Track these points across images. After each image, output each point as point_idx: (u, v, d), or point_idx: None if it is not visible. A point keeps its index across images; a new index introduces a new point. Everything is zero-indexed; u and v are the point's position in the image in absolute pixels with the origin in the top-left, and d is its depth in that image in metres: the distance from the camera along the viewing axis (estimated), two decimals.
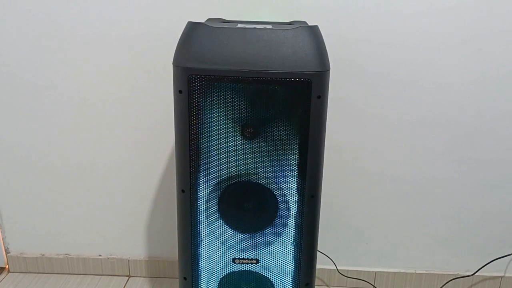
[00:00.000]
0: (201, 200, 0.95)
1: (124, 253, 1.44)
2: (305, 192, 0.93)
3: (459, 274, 1.39)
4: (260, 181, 0.93)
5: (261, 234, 0.97)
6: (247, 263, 0.99)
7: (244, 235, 0.97)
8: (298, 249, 0.97)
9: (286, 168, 0.91)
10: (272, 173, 0.92)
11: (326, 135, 0.92)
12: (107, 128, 1.31)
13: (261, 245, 0.98)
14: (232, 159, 0.91)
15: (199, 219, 0.96)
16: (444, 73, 1.22)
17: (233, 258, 0.99)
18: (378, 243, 1.39)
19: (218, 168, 0.92)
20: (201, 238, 0.98)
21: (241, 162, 0.91)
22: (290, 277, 1.00)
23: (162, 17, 1.21)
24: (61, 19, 1.22)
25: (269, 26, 0.91)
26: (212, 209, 0.96)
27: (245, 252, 0.98)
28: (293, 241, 0.97)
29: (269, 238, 0.97)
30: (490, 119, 1.26)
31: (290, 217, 0.95)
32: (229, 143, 0.90)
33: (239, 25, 0.93)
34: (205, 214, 0.96)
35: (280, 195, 0.94)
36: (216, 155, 0.91)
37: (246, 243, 0.98)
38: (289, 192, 0.93)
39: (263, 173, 0.92)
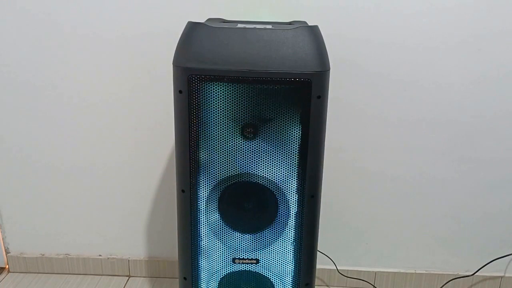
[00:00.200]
0: (201, 200, 0.95)
1: (124, 253, 1.44)
2: (305, 192, 0.93)
3: (459, 274, 1.39)
4: (260, 181, 0.93)
5: (261, 234, 0.97)
6: (247, 263, 0.99)
7: (244, 235, 0.97)
8: (298, 249, 0.97)
9: (286, 168, 0.91)
10: (272, 173, 0.92)
11: (326, 135, 0.92)
12: (107, 128, 1.31)
13: (261, 245, 0.98)
14: (232, 159, 0.91)
15: (199, 219, 0.96)
16: (444, 73, 1.22)
17: (233, 258, 0.99)
18: (378, 243, 1.39)
19: (218, 168, 0.92)
20: (201, 238, 0.98)
21: (241, 162, 0.91)
22: (290, 277, 1.00)
23: (162, 17, 1.21)
24: (61, 19, 1.22)
25: (269, 26, 0.91)
26: (212, 209, 0.96)
27: (245, 252, 0.98)
28: (293, 241, 0.97)
29: (269, 238, 0.97)
30: (490, 119, 1.26)
31: (290, 217, 0.95)
32: (229, 143, 0.90)
33: (239, 25, 0.93)
34: (205, 214, 0.96)
35: (280, 195, 0.94)
36: (216, 155, 0.91)
37: (246, 243, 0.98)
38: (289, 192, 0.93)
39: (263, 173, 0.92)
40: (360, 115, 1.27)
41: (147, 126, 1.31)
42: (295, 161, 0.91)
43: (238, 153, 0.91)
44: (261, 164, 0.91)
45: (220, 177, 0.93)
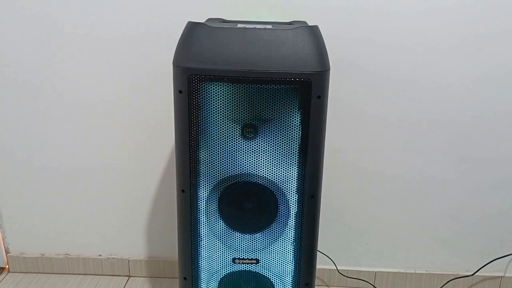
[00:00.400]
0: (201, 200, 0.95)
1: (124, 253, 1.44)
2: (305, 192, 0.93)
3: (459, 274, 1.39)
4: (260, 181, 0.93)
5: (261, 234, 0.97)
6: (247, 263, 0.99)
7: (244, 235, 0.97)
8: (298, 249, 0.97)
9: (286, 168, 0.91)
10: (272, 173, 0.92)
11: (326, 135, 0.92)
12: (107, 128, 1.31)
13: (261, 245, 0.98)
14: (232, 159, 0.91)
15: (199, 219, 0.96)
16: (444, 73, 1.22)
17: (233, 258, 0.99)
18: (378, 243, 1.39)
19: (218, 168, 0.92)
20: (201, 238, 0.98)
21: (241, 162, 0.91)
22: (290, 277, 1.00)
23: (162, 17, 1.21)
24: (61, 19, 1.22)
25: (269, 26, 0.91)
26: (212, 209, 0.96)
27: (245, 252, 0.98)
28: (293, 241, 0.97)
29: (269, 238, 0.97)
30: (490, 119, 1.26)
31: (290, 217, 0.95)
32: (229, 143, 0.90)
33: (239, 25, 0.93)
34: (205, 214, 0.96)
35: (280, 195, 0.94)
36: (216, 155, 0.91)
37: (246, 243, 0.98)
38: (289, 192, 0.93)
39: (263, 173, 0.92)
40: (360, 115, 1.27)
41: (147, 126, 1.31)
42: (295, 161, 0.91)
43: (238, 153, 0.91)
44: (261, 164, 0.91)
45: (220, 177, 0.93)
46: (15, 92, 1.29)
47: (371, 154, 1.30)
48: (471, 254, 1.38)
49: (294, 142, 0.89)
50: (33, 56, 1.26)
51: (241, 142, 0.90)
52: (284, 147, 0.90)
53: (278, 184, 0.93)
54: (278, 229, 0.97)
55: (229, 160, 0.91)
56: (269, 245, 0.98)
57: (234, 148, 0.90)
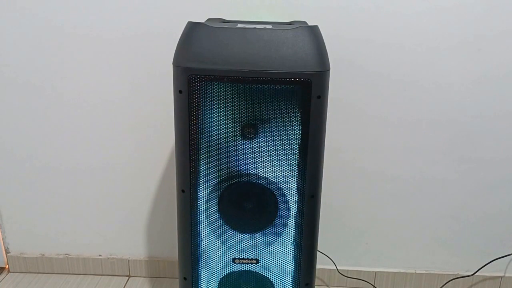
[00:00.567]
0: (201, 200, 0.95)
1: (124, 253, 1.44)
2: (305, 192, 0.93)
3: (459, 274, 1.39)
4: (260, 181, 0.93)
5: (261, 234, 0.97)
6: (247, 263, 0.99)
7: (244, 235, 0.97)
8: (298, 249, 0.97)
9: (286, 168, 0.91)
10: (272, 173, 0.92)
11: (326, 135, 0.92)
12: (107, 128, 1.31)
13: (261, 245, 0.98)
14: (232, 159, 0.91)
15: (199, 219, 0.96)
16: (444, 73, 1.22)
17: (233, 258, 0.99)
18: (378, 243, 1.39)
19: (218, 168, 0.92)
20: (201, 238, 0.98)
21: (241, 162, 0.91)
22: (290, 277, 1.00)
23: (162, 17, 1.21)
24: (61, 19, 1.22)
25: (269, 26, 0.91)
26: (212, 209, 0.96)
27: (245, 252, 0.98)
28: (293, 241, 0.97)
29: (269, 238, 0.97)
30: (490, 119, 1.26)
31: (290, 217, 0.95)
32: (229, 143, 0.90)
33: (239, 25, 0.93)
34: (205, 214, 0.96)
35: (280, 195, 0.94)
36: (216, 155, 0.91)
37: (246, 243, 0.98)
38: (289, 192, 0.93)
39: (263, 173, 0.92)
40: (360, 115, 1.27)
41: (147, 126, 1.31)
42: (295, 161, 0.91)
43: (238, 153, 0.91)
44: (261, 164, 0.91)
45: (220, 177, 0.93)
46: (15, 92, 1.29)
47: (371, 154, 1.30)
48: (471, 254, 1.38)
49: (294, 142, 0.89)
50: (33, 56, 1.26)
51: (241, 142, 0.90)
52: (284, 147, 0.90)
53: (278, 184, 0.93)
54: (278, 229, 0.97)
55: (229, 160, 0.91)
56: (269, 245, 0.98)
57: (234, 148, 0.90)
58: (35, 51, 1.25)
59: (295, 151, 0.90)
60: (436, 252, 1.39)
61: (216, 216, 0.96)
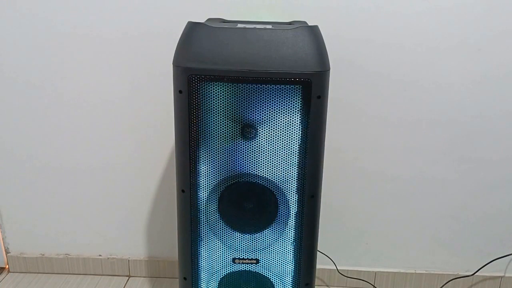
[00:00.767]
0: (201, 200, 0.95)
1: (124, 253, 1.44)
2: (305, 192, 0.93)
3: (459, 274, 1.39)
4: (260, 181, 0.93)
5: (261, 234, 0.97)
6: (247, 263, 0.99)
7: (244, 235, 0.97)
8: (298, 249, 0.97)
9: (286, 168, 0.91)
10: (272, 173, 0.92)
11: (326, 135, 0.92)
12: (107, 128, 1.31)
13: (261, 245, 0.98)
14: (232, 159, 0.91)
15: (199, 219, 0.96)
16: (444, 73, 1.22)
17: (233, 258, 0.99)
18: (378, 243, 1.39)
19: (218, 168, 0.92)
20: (201, 238, 0.98)
21: (241, 162, 0.91)
22: (290, 277, 1.00)
23: (162, 17, 1.21)
24: (61, 19, 1.22)
25: (269, 26, 0.91)
26: (212, 209, 0.96)
27: (245, 252, 0.98)
28: (293, 241, 0.97)
29: (269, 238, 0.97)
30: (490, 119, 1.26)
31: (290, 217, 0.95)
32: (229, 143, 0.90)
33: (239, 25, 0.93)
34: (205, 214, 0.96)
35: (280, 195, 0.94)
36: (216, 155, 0.91)
37: (246, 243, 0.98)
38: (289, 192, 0.93)
39: (263, 173, 0.92)
40: (360, 115, 1.27)
41: (147, 126, 1.31)
42: (295, 161, 0.91)
43: (238, 153, 0.91)
44: (261, 164, 0.91)
45: (220, 177, 0.93)
46: (15, 92, 1.29)
47: (371, 154, 1.30)
48: (471, 254, 1.38)
49: (294, 142, 0.89)
50: (33, 56, 1.26)
51: (241, 142, 0.90)
52: (284, 147, 0.90)
53: (278, 184, 0.93)
54: (278, 229, 0.97)
55: (229, 160, 0.91)
56: (269, 245, 0.98)
57: (234, 148, 0.90)
58: (35, 51, 1.25)
59: (295, 151, 0.90)
60: (436, 252, 1.39)
61: (216, 216, 0.96)
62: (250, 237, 0.97)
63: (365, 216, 1.36)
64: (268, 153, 0.90)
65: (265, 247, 0.98)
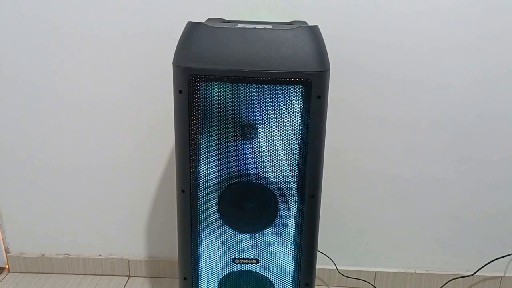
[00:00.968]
0: (201, 200, 0.95)
1: (124, 253, 1.44)
2: (305, 192, 0.93)
3: (459, 274, 1.39)
4: (260, 181, 0.93)
5: (261, 234, 0.97)
6: (247, 263, 0.99)
7: (244, 235, 0.97)
8: (298, 249, 0.97)
9: (286, 168, 0.91)
10: (272, 173, 0.92)
11: (326, 135, 0.92)
12: (107, 128, 1.31)
13: (261, 245, 0.98)
14: (232, 159, 0.91)
15: (199, 219, 0.96)
16: (444, 73, 1.22)
17: (233, 258, 0.99)
18: (378, 243, 1.39)
19: (218, 168, 0.92)
20: (201, 238, 0.98)
21: (241, 162, 0.91)
22: (290, 277, 1.00)
23: (162, 17, 1.21)
24: (61, 19, 1.22)
25: (269, 26, 0.91)
26: (212, 209, 0.96)
27: (245, 252, 0.98)
28: (293, 241, 0.97)
29: (269, 238, 0.97)
30: (490, 119, 1.26)
31: (290, 217, 0.95)
32: (229, 143, 0.90)
33: (239, 25, 0.93)
34: (205, 214, 0.96)
35: (280, 195, 0.94)
36: (216, 155, 0.91)
37: (246, 243, 0.98)
38: (289, 192, 0.93)
39: (263, 173, 0.92)
40: (360, 115, 1.27)
41: (147, 126, 1.31)
42: (295, 161, 0.91)
43: (238, 153, 0.91)
44: (261, 164, 0.91)
45: (220, 177, 0.93)
46: (15, 92, 1.29)
47: (371, 154, 1.30)
48: (471, 254, 1.38)
49: (294, 142, 0.89)
50: (33, 56, 1.26)
51: (241, 142, 0.90)
52: (284, 147, 0.90)
53: (278, 184, 0.93)
54: (278, 229, 0.97)
55: (229, 160, 0.91)
56: (269, 245, 0.98)
57: (234, 148, 0.90)
58: (35, 51, 1.25)
59: (295, 151, 0.90)
60: (436, 252, 1.39)
61: (216, 216, 0.96)
62: (250, 237, 0.97)
63: (365, 216, 1.36)
64: (268, 153, 0.90)
65: (265, 247, 0.98)
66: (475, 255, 1.38)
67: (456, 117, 1.26)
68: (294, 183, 0.92)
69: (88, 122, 1.31)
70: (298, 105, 0.87)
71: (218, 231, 0.97)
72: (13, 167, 1.36)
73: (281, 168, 0.91)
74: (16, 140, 1.34)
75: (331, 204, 1.34)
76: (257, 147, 0.90)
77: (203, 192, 0.94)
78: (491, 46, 1.20)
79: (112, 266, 1.44)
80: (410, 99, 1.25)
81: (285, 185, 0.93)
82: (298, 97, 0.86)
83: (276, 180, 0.92)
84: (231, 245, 0.98)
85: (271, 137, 0.89)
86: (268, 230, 0.97)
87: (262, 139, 0.90)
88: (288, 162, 0.91)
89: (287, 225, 0.96)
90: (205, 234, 0.97)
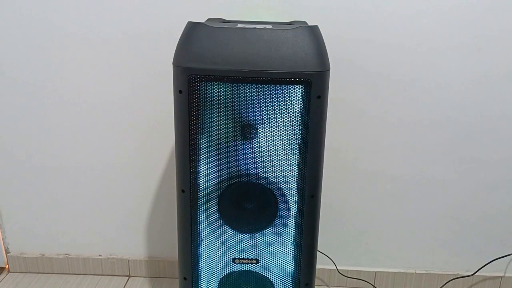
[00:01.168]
0: (201, 200, 0.95)
1: (124, 253, 1.44)
2: (305, 192, 0.93)
3: (459, 274, 1.39)
4: (260, 181, 0.93)
5: (261, 234, 0.97)
6: (247, 263, 0.99)
7: (244, 235, 0.97)
8: (298, 249, 0.97)
9: (286, 168, 0.91)
10: (272, 173, 0.92)
11: (326, 135, 0.92)
12: (107, 128, 1.32)
13: (261, 245, 0.98)
14: (232, 159, 0.91)
15: (199, 219, 0.96)
16: (444, 73, 1.22)
17: (233, 258, 0.99)
18: (378, 243, 1.39)
19: (218, 168, 0.92)
20: (201, 238, 0.98)
21: (241, 162, 0.91)
22: (290, 277, 1.00)
23: (162, 17, 1.21)
24: (61, 19, 1.22)
25: (269, 26, 0.91)
26: (212, 209, 0.96)
27: (245, 252, 0.98)
28: (293, 241, 0.97)
29: (269, 238, 0.97)
30: (490, 119, 1.26)
31: (290, 217, 0.95)
32: (229, 143, 0.90)
33: (239, 25, 0.93)
34: (205, 214, 0.96)
35: (280, 195, 0.94)
36: (216, 155, 0.91)
37: (246, 243, 0.98)
38: (289, 192, 0.93)
39: (263, 173, 0.92)
40: (360, 115, 1.27)
41: (147, 126, 1.31)
42: (295, 161, 0.91)
43: (238, 153, 0.91)
44: (261, 164, 0.91)
45: (220, 177, 0.93)
46: (15, 92, 1.29)
47: (371, 154, 1.30)
48: (471, 254, 1.38)
49: (294, 142, 0.89)
50: (33, 56, 1.26)
51: (241, 142, 0.90)
52: (284, 147, 0.90)
53: (278, 184, 0.93)
54: (278, 229, 0.97)
55: (229, 160, 0.91)
56: (269, 245, 0.98)
57: (234, 148, 0.90)
58: (35, 51, 1.25)
59: (295, 151, 0.90)
60: (436, 252, 1.39)
61: (216, 216, 0.96)
62: (250, 237, 0.97)
63: (365, 216, 1.36)
64: (268, 153, 0.90)
65: (265, 247, 0.98)
66: (475, 255, 1.38)
67: (456, 117, 1.26)
68: (294, 183, 0.92)
69: (88, 122, 1.31)
70: (298, 105, 0.87)
71: (218, 231, 0.97)
72: (13, 167, 1.36)
73: (281, 168, 0.91)
74: (16, 140, 1.34)
75: (331, 204, 1.34)
76: (257, 147, 0.90)
77: (203, 192, 0.94)
78: (491, 46, 1.20)
79: (112, 266, 1.44)
80: (410, 99, 1.25)
81: (285, 185, 0.93)
82: (298, 97, 0.86)
83: (276, 180, 0.92)
84: (231, 245, 0.98)
85: (271, 137, 0.89)
86: (268, 230, 0.97)
87: (262, 139, 0.90)
88: (288, 162, 0.91)
89: (287, 225, 0.96)
90: (205, 234, 0.97)
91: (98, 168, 1.35)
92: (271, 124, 0.88)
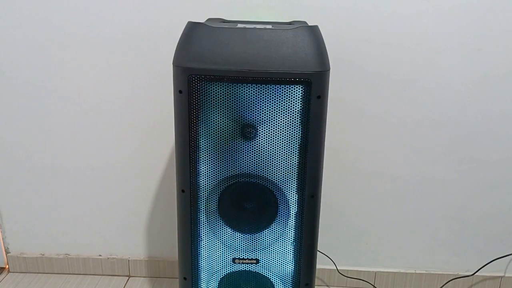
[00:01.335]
0: (201, 200, 0.95)
1: (124, 253, 1.44)
2: (305, 192, 0.93)
3: (459, 274, 1.39)
4: (260, 181, 0.93)
5: (261, 234, 0.97)
6: (247, 263, 0.99)
7: (244, 235, 0.97)
8: (298, 249, 0.97)
9: (286, 168, 0.91)
10: (272, 173, 0.92)
11: (326, 135, 0.92)
12: (107, 128, 1.32)
13: (261, 245, 0.98)
14: (232, 159, 0.91)
15: (199, 219, 0.96)
16: (444, 73, 1.22)
17: (233, 258, 0.99)
18: (378, 243, 1.39)
19: (218, 168, 0.92)
20: (201, 238, 0.98)
21: (241, 162, 0.91)
22: (290, 277, 1.00)
23: (162, 17, 1.21)
24: (60, 19, 1.22)
25: (269, 26, 0.91)
26: (212, 209, 0.96)
27: (245, 252, 0.98)
28: (293, 241, 0.97)
29: (269, 238, 0.97)
30: (490, 119, 1.26)
31: (290, 217, 0.95)
32: (229, 143, 0.90)
33: (239, 25, 0.93)
34: (205, 214, 0.96)
35: (280, 195, 0.94)
36: (216, 155, 0.91)
37: (246, 243, 0.98)
38: (289, 192, 0.93)
39: (263, 173, 0.92)
40: (360, 115, 1.27)
41: (147, 126, 1.31)
42: (295, 161, 0.91)
43: (238, 153, 0.91)
44: (261, 164, 0.91)
45: (220, 177, 0.93)
46: (14, 92, 1.29)
47: (371, 154, 1.30)
48: (471, 254, 1.38)
49: (294, 142, 0.89)
50: (33, 56, 1.26)
51: (241, 142, 0.90)
52: (284, 147, 0.90)
53: (278, 184, 0.93)
54: (278, 229, 0.97)
55: (229, 160, 0.91)
56: (269, 245, 0.98)
57: (234, 148, 0.90)
58: (35, 51, 1.25)
59: (295, 151, 0.90)
60: (436, 252, 1.39)
61: (216, 216, 0.96)
62: (250, 237, 0.97)
63: (365, 216, 1.36)
64: (268, 153, 0.90)
65: (265, 247, 0.98)
66: (475, 255, 1.38)
67: (456, 117, 1.26)
68: (294, 183, 0.92)
69: (88, 122, 1.31)
70: (298, 105, 0.87)
71: (218, 231, 0.97)
72: (13, 167, 1.36)
73: (281, 168, 0.91)
74: (16, 140, 1.34)
75: (331, 204, 1.34)
76: (257, 147, 0.90)
77: (203, 192, 0.94)
78: (491, 46, 1.20)
79: (112, 266, 1.44)
80: (410, 99, 1.25)
81: (285, 185, 0.93)
82: (298, 97, 0.86)
83: (276, 180, 0.92)
84: (231, 245, 0.98)
85: (271, 137, 0.89)
86: (268, 230, 0.97)
87: (262, 139, 0.90)
88: (288, 162, 0.91)
89: (287, 225, 0.96)
90: (205, 234, 0.97)
91: (98, 168, 1.35)
92: (271, 124, 0.88)
